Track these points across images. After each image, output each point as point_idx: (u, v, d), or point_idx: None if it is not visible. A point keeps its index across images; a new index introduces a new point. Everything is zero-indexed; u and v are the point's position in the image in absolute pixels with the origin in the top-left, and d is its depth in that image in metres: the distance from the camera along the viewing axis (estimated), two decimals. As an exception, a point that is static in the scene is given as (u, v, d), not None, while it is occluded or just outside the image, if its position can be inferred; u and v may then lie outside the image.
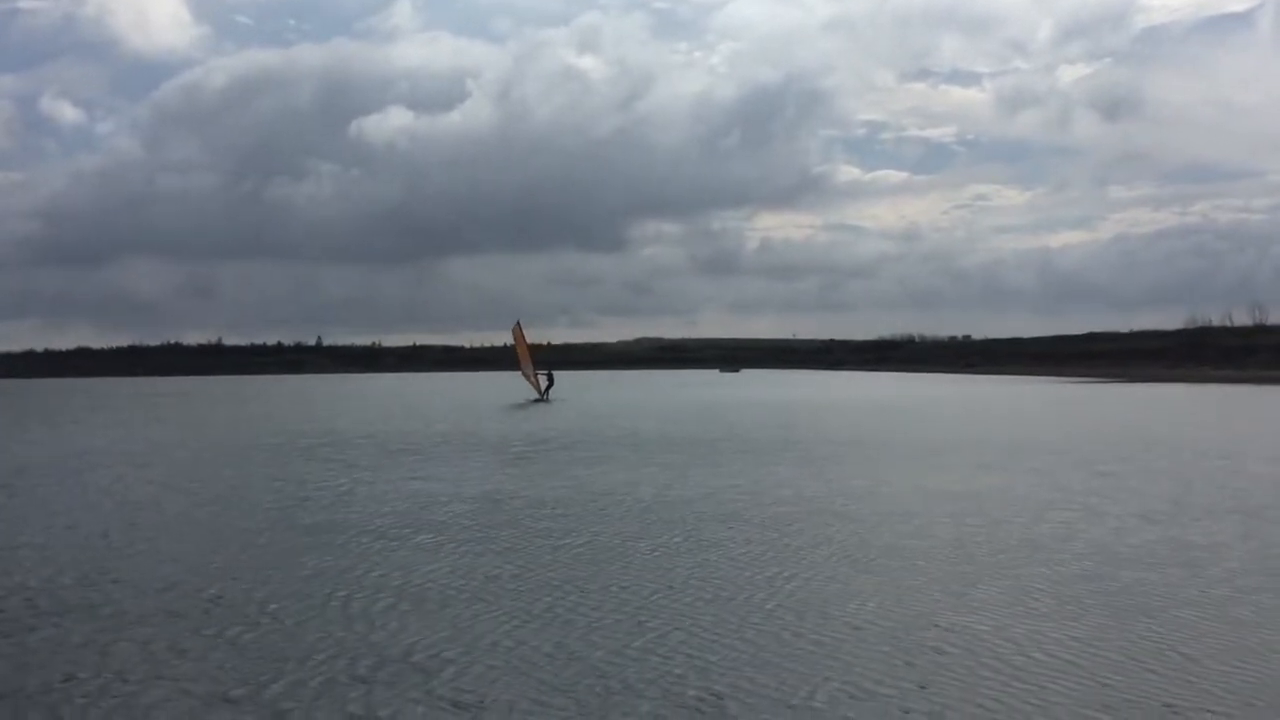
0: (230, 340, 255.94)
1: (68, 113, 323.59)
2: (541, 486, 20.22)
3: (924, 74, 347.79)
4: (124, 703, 7.76)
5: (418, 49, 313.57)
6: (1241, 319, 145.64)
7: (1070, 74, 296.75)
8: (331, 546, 14.00)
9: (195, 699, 7.80)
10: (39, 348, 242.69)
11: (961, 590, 10.94)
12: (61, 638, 9.61)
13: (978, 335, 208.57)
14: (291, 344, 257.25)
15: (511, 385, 64.81)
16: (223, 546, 14.14)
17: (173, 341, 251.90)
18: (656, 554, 13.18)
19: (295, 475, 23.02)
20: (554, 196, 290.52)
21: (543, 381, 62.63)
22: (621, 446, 29.39)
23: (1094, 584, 11.14)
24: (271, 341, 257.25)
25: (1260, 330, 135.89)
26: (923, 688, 7.82)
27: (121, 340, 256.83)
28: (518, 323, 64.42)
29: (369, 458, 27.03)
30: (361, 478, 22.15)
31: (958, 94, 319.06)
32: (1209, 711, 7.26)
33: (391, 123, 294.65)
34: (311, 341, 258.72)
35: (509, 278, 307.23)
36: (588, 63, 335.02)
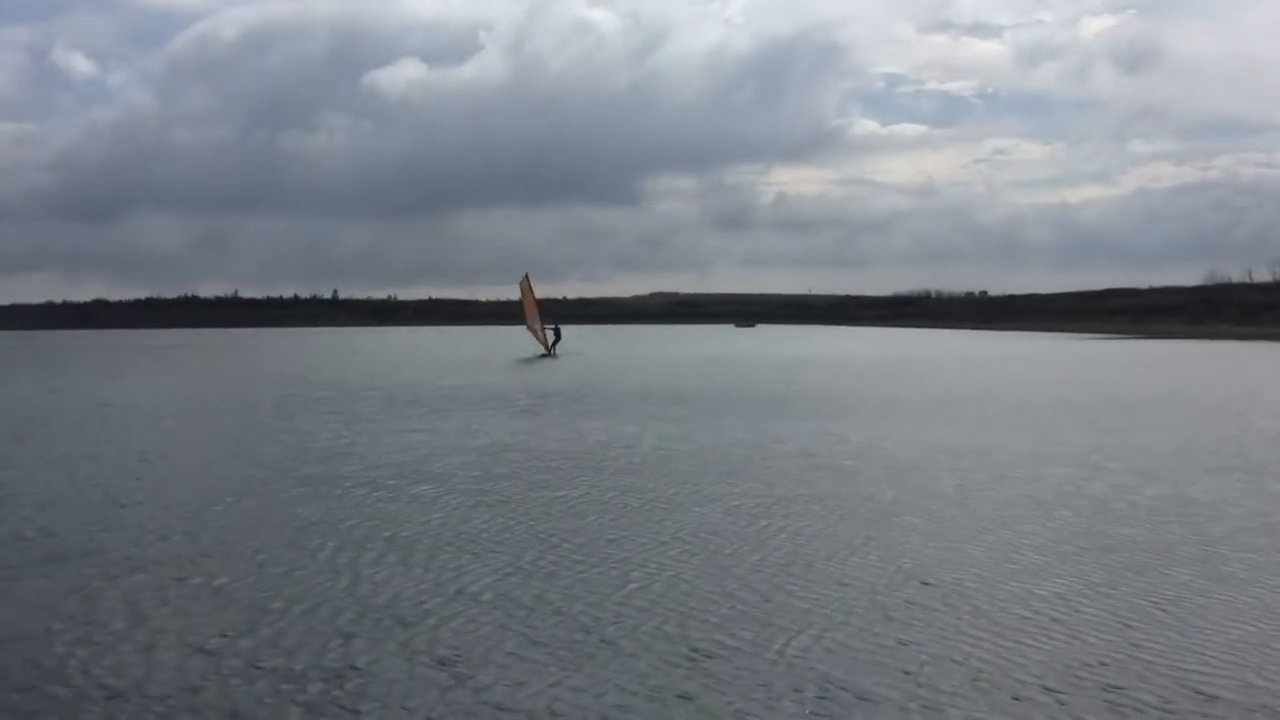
0: (246, 293, 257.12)
1: (80, 64, 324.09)
2: (544, 439, 20.20)
3: (945, 26, 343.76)
4: (102, 651, 7.77)
5: (431, 1, 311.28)
6: (1262, 275, 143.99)
7: (1093, 26, 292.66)
8: (328, 498, 14.01)
9: (172, 650, 7.79)
10: (57, 299, 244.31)
11: (953, 546, 10.85)
12: (50, 585, 9.64)
13: (995, 291, 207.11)
14: (308, 297, 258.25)
15: (524, 340, 64.05)
16: (220, 497, 14.17)
17: (190, 294, 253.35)
18: (650, 507, 13.14)
19: (299, 427, 23.08)
20: (567, 150, 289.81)
21: (550, 336, 60.59)
22: (627, 400, 29.36)
23: (1087, 541, 11.03)
24: (288, 294, 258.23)
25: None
26: (902, 644, 7.75)
27: (139, 293, 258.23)
28: (526, 276, 61.23)
29: (374, 410, 27.07)
30: (364, 430, 22.18)
31: (979, 46, 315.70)
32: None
33: (404, 75, 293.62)
34: (327, 295, 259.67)
35: (522, 231, 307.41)
36: (601, 15, 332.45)
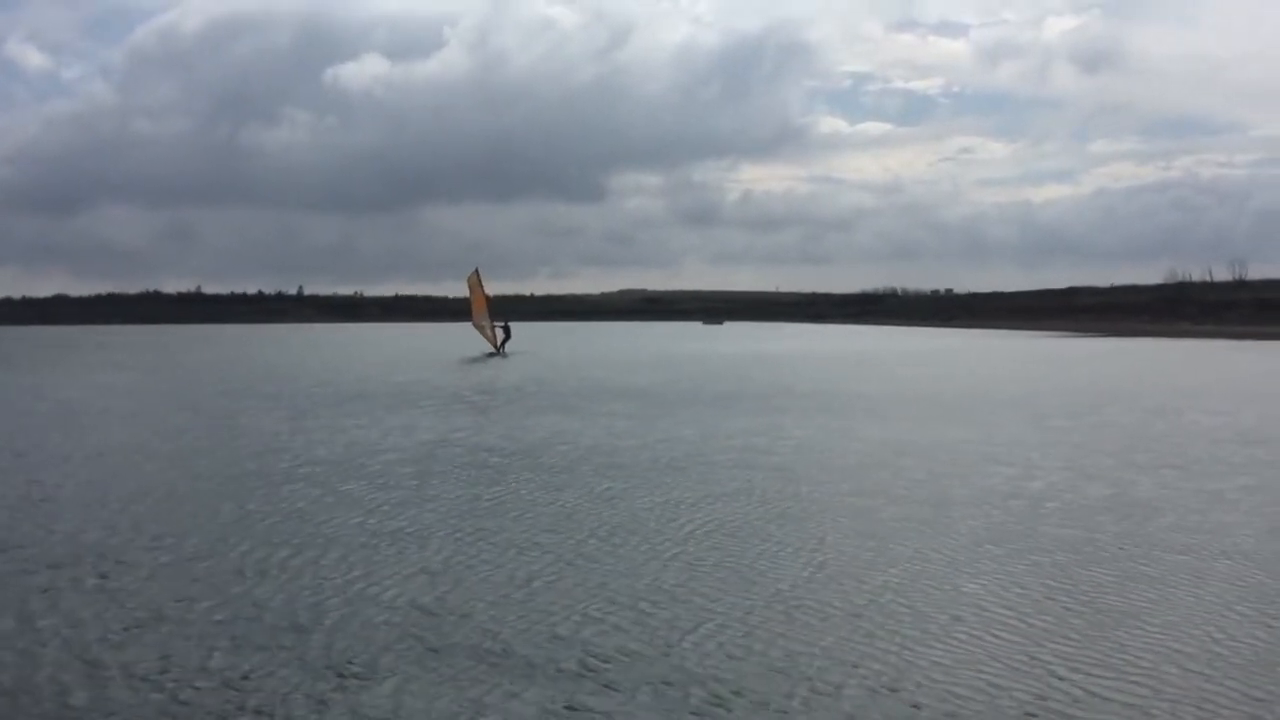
0: (210, 288, 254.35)
1: (39, 58, 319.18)
2: (483, 435, 19.94)
3: (912, 24, 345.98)
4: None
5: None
6: (1222, 274, 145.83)
7: (1057, 25, 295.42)
8: (255, 495, 13.72)
9: (76, 652, 7.54)
10: (16, 295, 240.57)
11: (881, 545, 10.65)
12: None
13: (960, 289, 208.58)
14: (273, 293, 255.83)
15: (478, 338, 61.68)
16: (146, 495, 13.85)
17: (152, 289, 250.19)
18: (577, 504, 12.93)
19: (241, 424, 22.69)
20: (533, 146, 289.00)
21: (499, 334, 56.81)
22: (574, 398, 29.00)
23: (1017, 541, 10.83)
24: (252, 290, 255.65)
25: (1240, 285, 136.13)
26: (810, 647, 7.54)
27: (101, 287, 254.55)
28: (475, 270, 57.19)
29: (318, 407, 26.64)
30: (305, 426, 21.81)
31: (945, 45, 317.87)
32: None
33: (368, 70, 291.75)
34: (292, 290, 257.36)
35: (489, 227, 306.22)
36: (566, 10, 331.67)
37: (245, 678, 7.04)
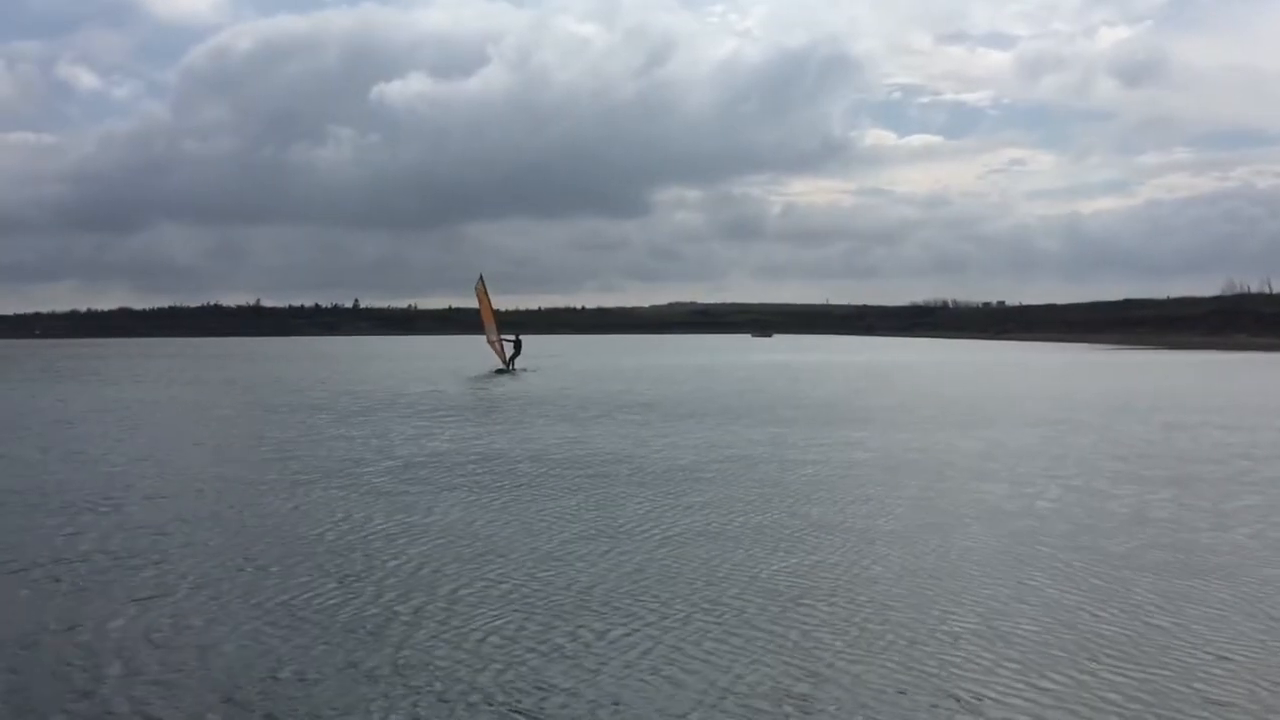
0: (268, 302, 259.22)
1: (92, 79, 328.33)
2: (489, 443, 19.81)
3: (961, 37, 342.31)
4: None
5: (441, 14, 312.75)
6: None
7: (1109, 37, 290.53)
8: (231, 503, 13.60)
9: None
10: (81, 308, 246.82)
11: (856, 563, 10.11)
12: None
13: (1010, 301, 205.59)
14: (329, 306, 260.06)
15: (526, 348, 56.86)
16: (115, 501, 13.72)
17: (212, 303, 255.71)
18: (551, 513, 12.62)
19: (255, 431, 22.93)
20: (576, 161, 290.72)
21: (508, 350, 52.24)
22: (581, 409, 28.55)
23: (987, 566, 10.09)
24: (309, 304, 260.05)
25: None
26: (745, 679, 7.04)
27: (160, 302, 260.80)
28: (480, 278, 52.40)
29: (331, 416, 26.64)
30: (316, 435, 21.81)
31: (994, 57, 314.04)
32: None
33: (413, 88, 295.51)
34: (348, 304, 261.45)
35: (533, 242, 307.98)
36: (609, 26, 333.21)
37: (146, 700, 6.74)
